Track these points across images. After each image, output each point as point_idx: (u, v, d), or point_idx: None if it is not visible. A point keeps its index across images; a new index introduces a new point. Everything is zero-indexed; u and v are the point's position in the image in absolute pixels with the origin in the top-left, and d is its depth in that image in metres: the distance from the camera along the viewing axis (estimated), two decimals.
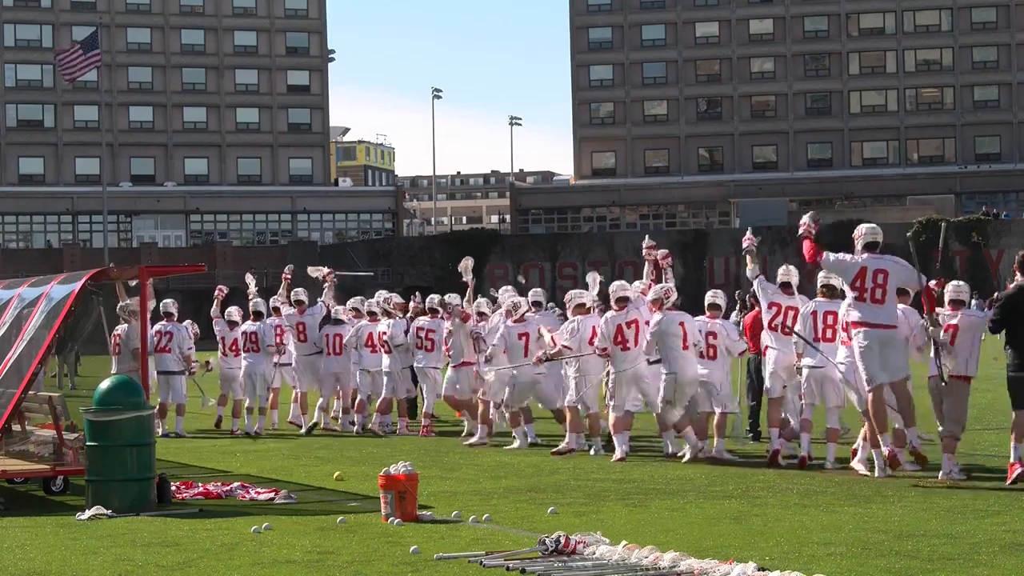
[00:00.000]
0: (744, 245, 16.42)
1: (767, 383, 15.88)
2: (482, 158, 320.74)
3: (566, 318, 17.64)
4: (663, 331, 15.95)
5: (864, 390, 13.79)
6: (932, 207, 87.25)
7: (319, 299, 21.55)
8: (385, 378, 20.33)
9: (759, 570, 8.78)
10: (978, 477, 13.94)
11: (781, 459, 15.30)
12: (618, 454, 16.09)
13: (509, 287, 19.20)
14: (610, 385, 16.52)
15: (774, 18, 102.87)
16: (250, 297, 21.81)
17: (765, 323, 15.95)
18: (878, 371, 13.63)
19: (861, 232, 14.27)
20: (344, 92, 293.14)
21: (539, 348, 17.43)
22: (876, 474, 13.90)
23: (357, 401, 20.96)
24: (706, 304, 17.12)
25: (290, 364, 21.35)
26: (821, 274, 15.59)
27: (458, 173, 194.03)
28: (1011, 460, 13.14)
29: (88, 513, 12.29)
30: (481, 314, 18.95)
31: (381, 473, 11.89)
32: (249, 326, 21.33)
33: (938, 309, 13.77)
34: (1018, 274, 13.38)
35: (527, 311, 18.14)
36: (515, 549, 9.93)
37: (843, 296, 14.51)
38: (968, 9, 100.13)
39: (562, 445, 17.06)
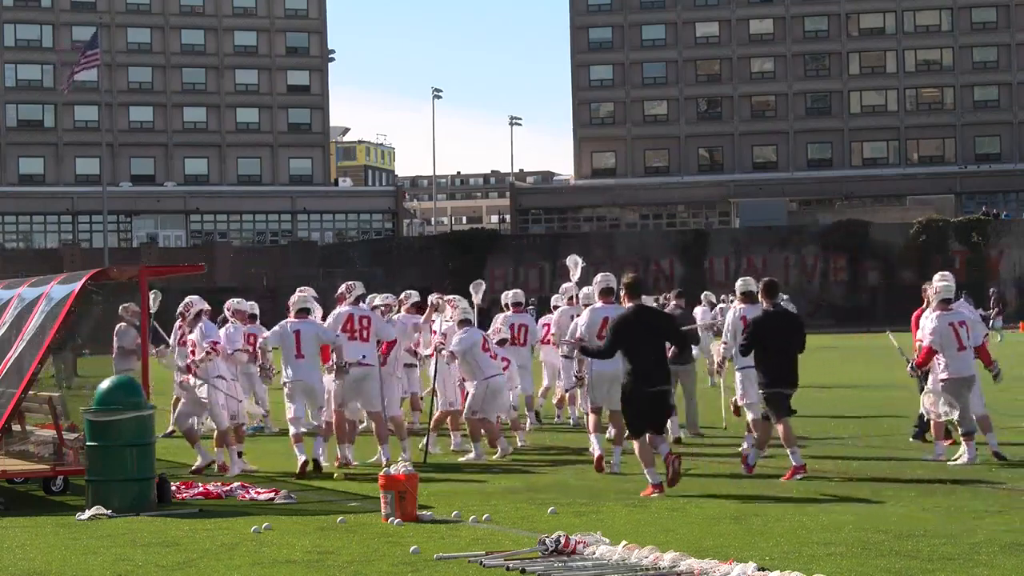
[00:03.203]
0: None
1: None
2: (482, 158, 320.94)
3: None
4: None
5: None
6: (932, 207, 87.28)
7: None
8: None
9: (759, 570, 8.78)
10: (970, 478, 13.97)
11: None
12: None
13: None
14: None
15: (774, 18, 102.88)
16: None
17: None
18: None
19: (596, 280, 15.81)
20: (344, 92, 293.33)
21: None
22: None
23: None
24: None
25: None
26: (740, 281, 16.85)
27: (458, 173, 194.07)
28: (793, 463, 14.18)
29: (88, 513, 12.29)
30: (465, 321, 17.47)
31: (381, 473, 11.90)
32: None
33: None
34: (764, 300, 14.95)
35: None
36: (515, 549, 9.93)
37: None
38: (968, 9, 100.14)
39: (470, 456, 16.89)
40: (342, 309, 16.48)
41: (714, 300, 28.74)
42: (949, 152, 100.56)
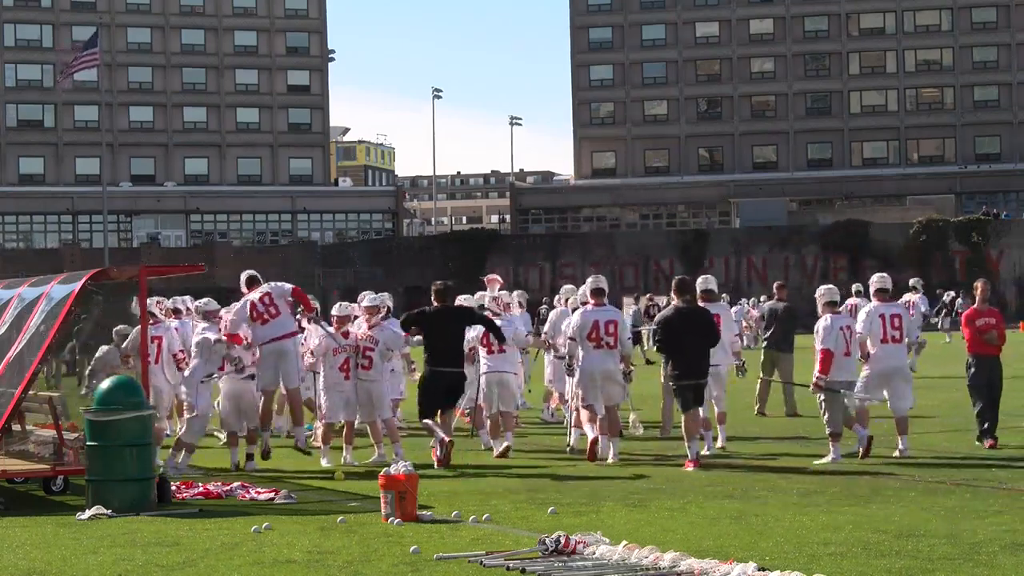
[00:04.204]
0: None
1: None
2: (482, 158, 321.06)
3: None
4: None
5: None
6: (932, 207, 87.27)
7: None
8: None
9: (759, 570, 8.79)
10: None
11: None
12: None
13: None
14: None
15: (774, 18, 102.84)
16: None
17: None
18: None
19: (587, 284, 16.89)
20: (344, 92, 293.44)
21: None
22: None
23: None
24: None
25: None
26: (700, 279, 17.69)
27: (458, 173, 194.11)
28: (689, 457, 15.25)
29: (88, 513, 12.29)
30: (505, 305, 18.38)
31: (381, 473, 11.90)
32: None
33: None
34: (675, 297, 16.02)
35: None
36: (515, 549, 9.94)
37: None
38: (968, 9, 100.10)
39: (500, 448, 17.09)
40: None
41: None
42: (949, 152, 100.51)
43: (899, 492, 12.97)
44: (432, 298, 16.68)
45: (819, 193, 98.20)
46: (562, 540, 9.72)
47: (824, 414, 15.98)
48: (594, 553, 9.62)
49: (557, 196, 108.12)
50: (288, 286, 16.88)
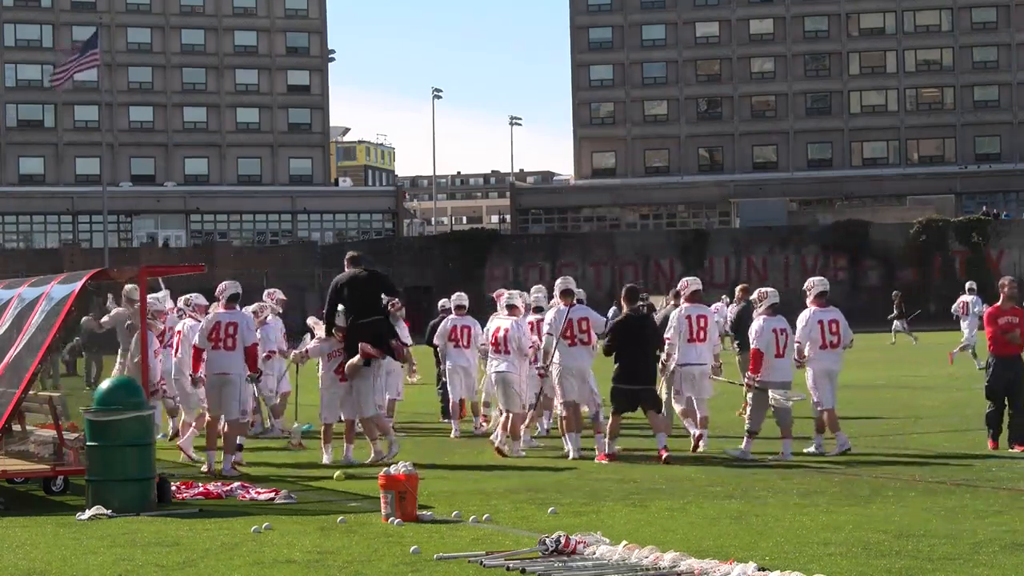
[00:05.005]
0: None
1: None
2: (482, 158, 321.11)
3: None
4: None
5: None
6: (932, 207, 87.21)
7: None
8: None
9: (759, 570, 8.79)
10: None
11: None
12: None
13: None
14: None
15: (774, 18, 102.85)
16: None
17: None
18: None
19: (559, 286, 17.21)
20: (344, 92, 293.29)
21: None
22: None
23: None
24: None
25: None
26: (691, 280, 17.76)
27: (458, 173, 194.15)
28: (601, 451, 16.02)
29: (88, 513, 12.29)
30: (512, 307, 17.90)
31: (381, 473, 11.90)
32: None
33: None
34: (624, 304, 16.48)
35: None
36: (515, 549, 9.94)
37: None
38: (968, 9, 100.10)
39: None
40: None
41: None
42: (949, 152, 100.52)
43: (899, 492, 12.98)
44: (347, 266, 17.01)
45: (819, 193, 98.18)
46: (562, 540, 9.72)
47: (747, 411, 16.43)
48: (594, 553, 9.62)
49: (557, 196, 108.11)
50: (253, 337, 16.41)
